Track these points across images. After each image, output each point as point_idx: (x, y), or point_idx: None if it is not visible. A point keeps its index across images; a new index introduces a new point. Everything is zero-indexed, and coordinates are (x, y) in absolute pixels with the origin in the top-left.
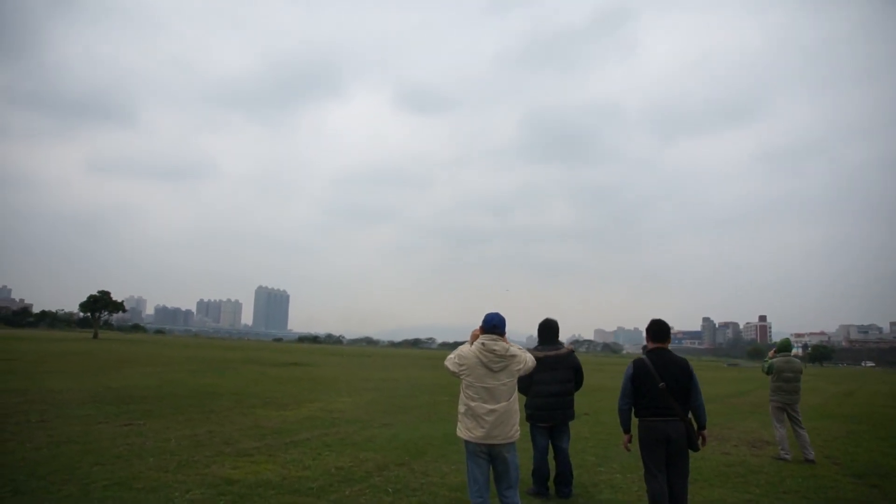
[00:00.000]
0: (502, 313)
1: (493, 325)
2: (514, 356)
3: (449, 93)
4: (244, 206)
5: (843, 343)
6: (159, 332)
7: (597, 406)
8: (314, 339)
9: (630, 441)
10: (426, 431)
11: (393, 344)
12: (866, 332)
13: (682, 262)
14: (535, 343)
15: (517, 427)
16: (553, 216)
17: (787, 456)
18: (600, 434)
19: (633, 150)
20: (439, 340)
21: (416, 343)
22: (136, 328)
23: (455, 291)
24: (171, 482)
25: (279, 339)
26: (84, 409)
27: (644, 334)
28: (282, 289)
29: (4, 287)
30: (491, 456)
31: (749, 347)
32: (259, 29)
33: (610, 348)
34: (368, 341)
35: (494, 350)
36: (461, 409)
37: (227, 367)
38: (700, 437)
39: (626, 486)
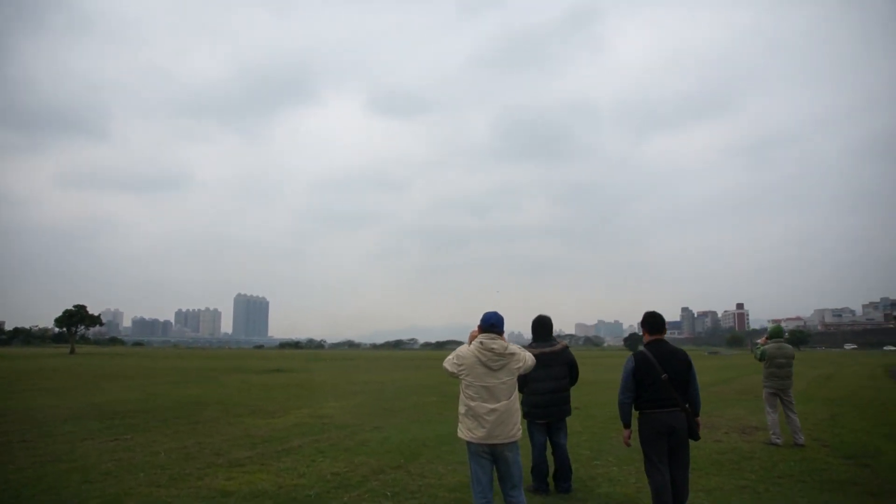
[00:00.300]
0: (481, 314)
1: (492, 323)
2: (513, 354)
3: (424, 95)
4: (221, 215)
5: (819, 327)
6: (138, 344)
7: (585, 400)
8: (296, 345)
9: (630, 436)
10: (418, 433)
11: (375, 346)
12: (840, 316)
13: (660, 255)
14: (517, 340)
15: (519, 426)
16: (531, 214)
17: (778, 441)
18: (593, 428)
19: (608, 147)
20: (421, 341)
21: (397, 345)
22: (114, 341)
23: (436, 293)
24: (165, 497)
25: (260, 347)
26: (67, 426)
27: (634, 327)
28: (261, 296)
29: None
30: (493, 456)
31: (728, 335)
32: (231, 37)
33: (591, 342)
34: (350, 345)
35: (493, 349)
36: (461, 409)
37: (210, 376)
38: (696, 425)
39: (624, 478)
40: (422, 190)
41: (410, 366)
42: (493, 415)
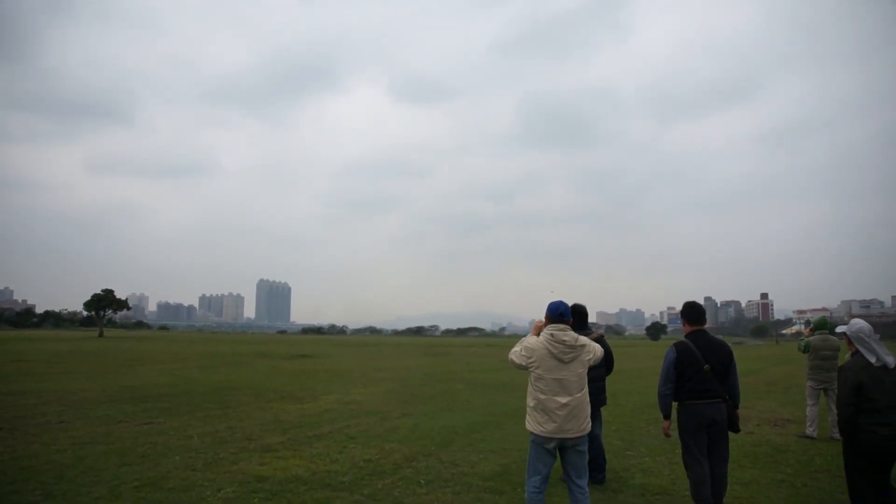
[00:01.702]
0: (506, 298)
1: (560, 313)
2: (584, 346)
3: (447, 82)
4: (244, 201)
5: (846, 318)
6: (163, 328)
7: (613, 389)
8: (318, 331)
9: (669, 427)
10: (448, 421)
11: (396, 332)
12: (868, 307)
13: (683, 243)
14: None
15: (589, 419)
16: (553, 201)
17: (813, 434)
18: (622, 417)
19: (632, 134)
20: (442, 328)
21: (419, 331)
22: (140, 325)
23: (457, 279)
24: (201, 481)
25: (283, 332)
26: (102, 409)
27: (656, 315)
28: (283, 281)
29: (6, 289)
30: (561, 449)
31: (752, 326)
32: (255, 24)
33: (613, 330)
34: (372, 331)
35: (565, 340)
36: (531, 402)
37: (237, 361)
38: (736, 418)
39: (658, 469)
40: (444, 176)
41: (434, 352)
42: (564, 409)
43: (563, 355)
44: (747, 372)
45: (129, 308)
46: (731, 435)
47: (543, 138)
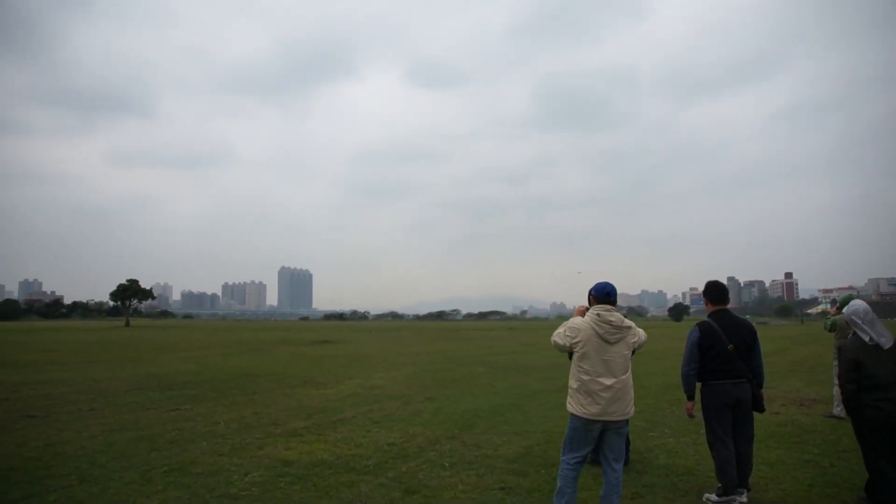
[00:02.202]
0: (526, 282)
1: (607, 292)
2: (629, 328)
3: (461, 66)
4: (263, 189)
5: (874, 297)
6: (187, 317)
7: (636, 370)
8: (340, 317)
9: (693, 407)
10: (470, 404)
11: (418, 317)
12: None
13: (702, 224)
14: (560, 310)
15: (632, 402)
16: (570, 184)
17: (840, 414)
18: (645, 398)
19: (648, 114)
20: (463, 312)
21: (440, 315)
22: (165, 314)
23: (476, 263)
24: (228, 465)
25: (305, 318)
26: (130, 396)
27: (678, 296)
28: (305, 268)
29: (36, 280)
30: (603, 431)
31: (777, 305)
32: (268, 13)
33: (635, 311)
34: (394, 316)
35: (611, 321)
36: (573, 384)
37: (260, 348)
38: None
39: (682, 449)
40: (460, 161)
41: (455, 337)
42: (609, 391)
43: (609, 336)
44: (772, 352)
45: (153, 297)
46: (756, 415)
47: (558, 121)
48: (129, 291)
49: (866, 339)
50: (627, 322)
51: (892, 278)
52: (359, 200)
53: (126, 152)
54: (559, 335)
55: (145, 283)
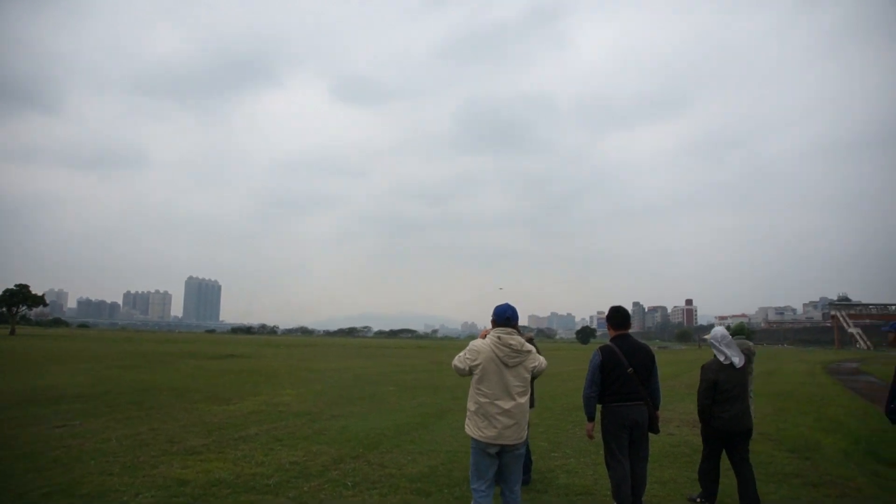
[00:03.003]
0: (440, 301)
1: (507, 317)
2: (529, 352)
3: (386, 84)
4: (175, 196)
5: (762, 325)
6: (83, 326)
7: (541, 391)
8: (248, 331)
9: (593, 428)
10: (376, 423)
11: (328, 333)
12: (782, 314)
13: (613, 250)
14: (471, 330)
15: (527, 426)
16: (488, 205)
17: None
18: (549, 420)
19: (565, 142)
20: (375, 329)
21: (351, 332)
22: (58, 322)
23: (390, 280)
24: (118, 486)
25: (212, 331)
26: (10, 411)
27: (586, 320)
28: (213, 279)
29: None
30: (500, 454)
31: (677, 330)
32: (194, 17)
33: (544, 334)
34: (304, 331)
35: (511, 344)
36: (471, 406)
37: (162, 360)
38: (656, 419)
39: (582, 470)
40: (380, 177)
41: (365, 354)
42: (505, 415)
43: (508, 359)
44: (670, 375)
45: (45, 304)
46: (651, 436)
47: (479, 143)
48: (18, 297)
49: (722, 358)
50: (528, 346)
51: (779, 307)
52: (274, 212)
53: (27, 148)
54: (459, 358)
55: (37, 289)
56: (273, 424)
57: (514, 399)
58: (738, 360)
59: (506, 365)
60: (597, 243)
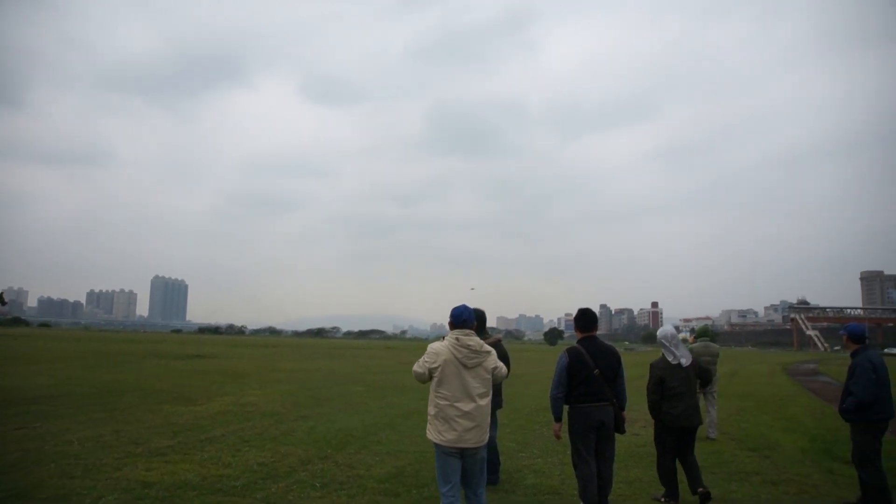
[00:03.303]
0: (409, 302)
1: (464, 319)
2: (489, 352)
3: (357, 84)
4: (141, 194)
5: (726, 327)
6: (44, 325)
7: (509, 392)
8: (215, 330)
9: (560, 429)
10: (345, 423)
11: (297, 334)
12: (745, 317)
13: (581, 253)
14: (439, 331)
15: (489, 429)
16: (458, 207)
17: (713, 436)
18: (517, 420)
19: (535, 146)
20: (344, 330)
21: (320, 332)
22: (18, 322)
23: (360, 281)
24: (79, 489)
25: (178, 331)
26: None
27: (554, 321)
28: (180, 278)
29: None
30: (462, 457)
31: (643, 332)
32: (163, 13)
33: (512, 335)
34: (272, 331)
35: (469, 345)
36: (431, 410)
37: (126, 361)
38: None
39: (549, 470)
40: (350, 178)
41: (334, 354)
42: (465, 417)
43: (466, 360)
44: (636, 376)
45: (4, 303)
46: (617, 436)
47: (450, 145)
48: None
49: (670, 357)
50: (486, 347)
51: (742, 310)
52: (243, 211)
53: None
54: (419, 364)
55: None
56: (240, 425)
57: (474, 401)
58: (685, 360)
59: (465, 366)
60: (565, 246)
